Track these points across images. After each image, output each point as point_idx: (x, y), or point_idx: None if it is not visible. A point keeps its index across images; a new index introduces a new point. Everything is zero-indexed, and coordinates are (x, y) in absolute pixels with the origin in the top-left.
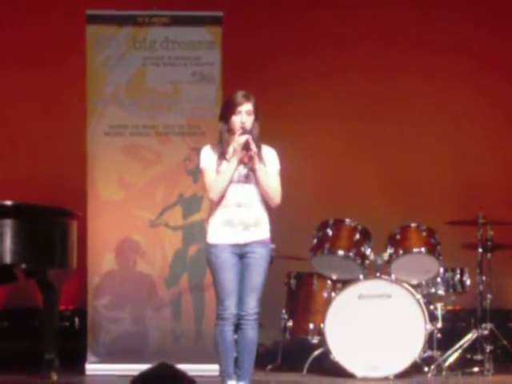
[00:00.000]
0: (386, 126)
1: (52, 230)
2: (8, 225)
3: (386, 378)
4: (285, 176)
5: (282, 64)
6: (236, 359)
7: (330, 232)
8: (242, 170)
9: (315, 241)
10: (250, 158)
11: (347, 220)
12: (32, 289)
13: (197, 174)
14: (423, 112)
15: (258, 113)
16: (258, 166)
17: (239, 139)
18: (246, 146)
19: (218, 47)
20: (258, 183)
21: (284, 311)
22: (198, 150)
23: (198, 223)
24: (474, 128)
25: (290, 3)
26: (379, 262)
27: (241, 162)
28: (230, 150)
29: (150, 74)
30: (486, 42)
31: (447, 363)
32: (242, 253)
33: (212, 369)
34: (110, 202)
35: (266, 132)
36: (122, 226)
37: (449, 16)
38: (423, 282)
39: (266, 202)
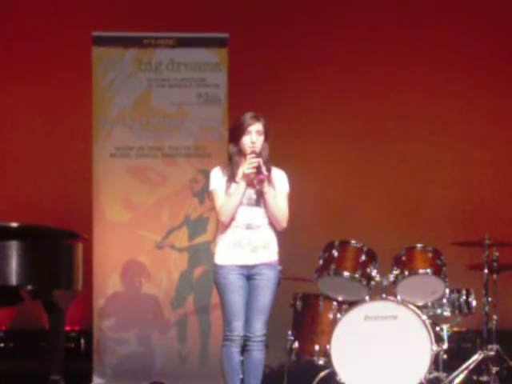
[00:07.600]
0: (391, 147)
1: (58, 251)
2: (13, 246)
3: None
4: (290, 197)
5: (288, 85)
6: (242, 381)
7: (335, 253)
8: (252, 193)
9: (321, 262)
10: (261, 182)
11: (353, 241)
12: (38, 310)
13: (203, 195)
14: (429, 133)
15: (267, 133)
16: (267, 189)
17: (250, 162)
18: (257, 170)
19: (224, 69)
20: (266, 206)
21: (290, 332)
22: (204, 172)
23: (204, 245)
24: (479, 149)
25: (296, 23)
26: (385, 283)
27: (250, 185)
28: (240, 172)
29: (156, 96)
30: (491, 62)
31: None
32: (249, 274)
33: None
34: (116, 223)
35: (271, 152)
36: (127, 248)
37: (454, 36)
38: (429, 303)
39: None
